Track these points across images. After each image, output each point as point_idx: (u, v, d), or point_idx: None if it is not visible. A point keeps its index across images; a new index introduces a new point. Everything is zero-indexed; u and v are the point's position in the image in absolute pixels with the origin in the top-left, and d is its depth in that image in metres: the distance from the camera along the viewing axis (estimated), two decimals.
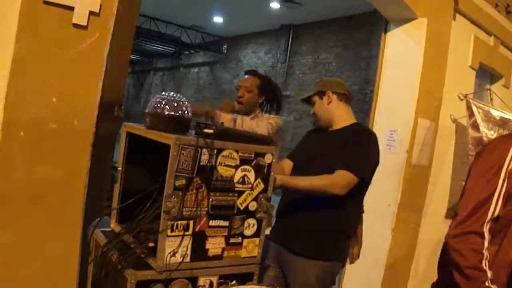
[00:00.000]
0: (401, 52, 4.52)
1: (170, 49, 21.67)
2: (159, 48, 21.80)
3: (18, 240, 2.34)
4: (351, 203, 2.77)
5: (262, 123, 3.33)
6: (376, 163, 2.79)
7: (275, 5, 12.99)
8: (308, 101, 3.02)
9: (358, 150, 2.71)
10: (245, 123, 3.27)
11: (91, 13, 2.37)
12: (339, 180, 2.61)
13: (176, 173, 1.80)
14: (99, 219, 2.33)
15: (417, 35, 4.41)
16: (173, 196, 1.80)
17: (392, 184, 4.33)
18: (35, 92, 2.33)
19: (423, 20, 4.40)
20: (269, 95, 3.56)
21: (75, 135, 2.45)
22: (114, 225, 2.25)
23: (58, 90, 2.37)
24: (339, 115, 2.92)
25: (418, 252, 4.72)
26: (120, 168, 2.26)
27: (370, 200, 3.00)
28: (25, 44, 2.25)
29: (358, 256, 3.08)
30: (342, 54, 12.60)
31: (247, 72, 3.60)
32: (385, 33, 4.64)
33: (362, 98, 10.53)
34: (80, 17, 2.32)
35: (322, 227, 2.75)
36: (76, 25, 2.33)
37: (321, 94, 2.94)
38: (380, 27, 4.81)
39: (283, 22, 14.61)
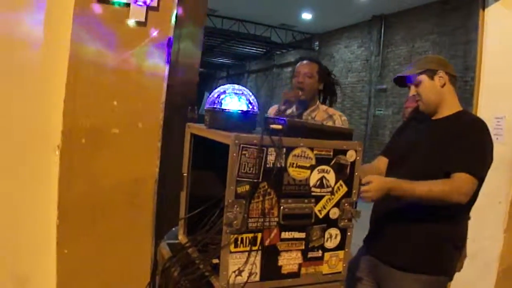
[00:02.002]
0: (504, 28, 4.03)
1: (262, 50, 21.73)
2: (251, 50, 21.93)
3: (85, 253, 2.28)
4: (461, 208, 2.34)
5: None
6: (492, 159, 2.39)
7: None
8: (404, 82, 2.59)
9: (474, 147, 2.31)
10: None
11: (149, 8, 2.23)
12: (461, 186, 2.21)
13: (238, 178, 1.52)
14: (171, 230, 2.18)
15: None
16: (235, 206, 1.52)
17: (502, 178, 3.84)
18: (94, 95, 2.26)
19: None
20: (328, 82, 3.32)
21: (140, 139, 2.33)
22: (181, 237, 2.05)
23: (118, 92, 2.27)
24: (449, 100, 2.48)
25: None
26: (185, 174, 2.03)
27: (478, 197, 2.59)
28: (80, 45, 2.17)
29: (460, 269, 2.66)
30: (438, 41, 11.98)
31: (303, 58, 3.35)
32: (483, 10, 4.17)
33: (463, 86, 9.88)
34: (137, 13, 2.19)
35: (427, 236, 2.38)
36: (133, 22, 2.23)
37: (432, 73, 2.48)
38: (476, 9, 4.34)
39: (374, 13, 14.18)
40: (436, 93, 2.46)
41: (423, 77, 2.48)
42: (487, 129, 2.40)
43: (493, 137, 3.80)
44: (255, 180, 1.55)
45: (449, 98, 2.47)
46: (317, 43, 18.41)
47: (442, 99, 2.47)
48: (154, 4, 2.25)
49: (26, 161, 2.27)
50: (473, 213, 2.69)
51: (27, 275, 2.30)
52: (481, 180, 2.26)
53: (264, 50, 21.67)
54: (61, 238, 2.24)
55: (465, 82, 10.05)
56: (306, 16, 15.84)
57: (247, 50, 21.73)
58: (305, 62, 3.29)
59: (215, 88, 1.84)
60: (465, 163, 2.23)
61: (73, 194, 2.24)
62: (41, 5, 2.18)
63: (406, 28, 13.38)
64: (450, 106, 2.47)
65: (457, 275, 2.75)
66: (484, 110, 4.05)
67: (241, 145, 1.52)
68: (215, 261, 1.67)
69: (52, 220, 2.25)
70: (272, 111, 3.14)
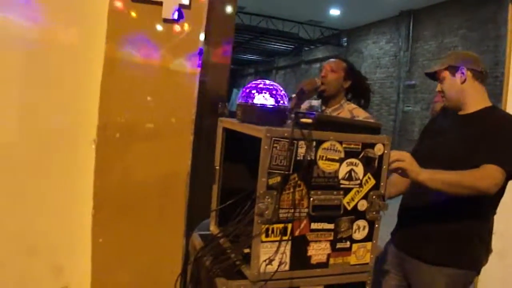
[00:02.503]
0: None
1: (290, 46, 21.78)
2: (279, 47, 22.00)
3: (119, 242, 2.35)
4: (490, 201, 2.39)
5: None
6: None
7: None
8: (435, 76, 2.60)
9: (504, 141, 2.30)
10: None
11: (181, 6, 2.30)
12: (490, 174, 2.21)
13: (269, 170, 1.58)
14: (202, 222, 2.25)
15: None
16: (267, 197, 1.58)
17: None
18: (128, 91, 2.31)
19: None
20: (356, 82, 3.24)
21: (173, 134, 2.40)
22: (213, 228, 2.10)
23: (152, 89, 2.33)
24: (473, 96, 2.48)
25: None
26: (217, 167, 2.09)
27: (505, 194, 2.58)
28: (115, 43, 2.24)
29: (486, 263, 2.67)
30: (468, 36, 11.87)
31: (333, 57, 3.31)
32: None
33: (493, 82, 9.74)
34: (169, 11, 2.26)
35: (455, 230, 2.40)
36: (166, 20, 2.28)
37: (453, 69, 2.50)
38: (506, 2, 4.30)
39: (402, 8, 14.13)
40: (458, 89, 2.48)
41: (446, 74, 2.51)
42: None
43: None
44: (286, 172, 1.60)
45: (473, 93, 2.47)
46: (345, 39, 18.37)
47: (464, 96, 2.48)
48: (186, 2, 2.30)
49: (64, 153, 2.35)
50: (502, 209, 2.68)
51: (63, 263, 2.38)
52: (509, 173, 2.25)
53: (292, 47, 21.71)
54: (96, 228, 2.32)
55: (495, 78, 9.94)
56: (334, 12, 15.82)
57: (275, 46, 21.79)
58: (332, 59, 3.29)
59: (245, 84, 1.90)
60: (494, 155, 2.23)
61: (108, 186, 2.32)
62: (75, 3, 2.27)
63: (435, 23, 13.28)
64: (476, 102, 2.47)
65: (486, 272, 2.76)
66: None
67: (273, 138, 1.57)
68: (246, 250, 1.71)
69: (87, 210, 2.33)
70: (303, 106, 3.16)
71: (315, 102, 3.23)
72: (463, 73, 2.46)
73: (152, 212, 2.38)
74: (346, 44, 18.32)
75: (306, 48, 21.57)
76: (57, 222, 2.36)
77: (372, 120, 2.95)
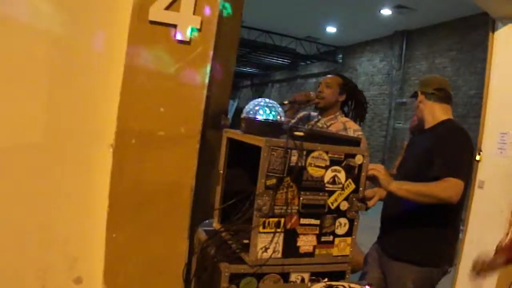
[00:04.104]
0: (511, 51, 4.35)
1: (286, 61, 21.88)
2: (276, 61, 22.10)
3: (131, 239, 2.51)
4: (453, 208, 2.72)
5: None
6: (472, 156, 2.78)
7: (386, 12, 12.87)
8: None
9: (454, 153, 2.66)
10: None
11: (193, 28, 2.49)
12: (450, 186, 2.55)
13: (267, 173, 1.90)
14: (204, 222, 2.50)
15: None
16: (265, 195, 1.91)
17: (504, 189, 4.11)
18: (144, 102, 2.46)
19: None
20: (351, 95, 3.56)
21: (182, 142, 2.55)
22: (216, 224, 2.38)
23: (165, 101, 2.49)
24: (429, 114, 2.91)
25: None
26: (221, 171, 2.40)
27: (481, 207, 2.90)
28: (134, 59, 2.41)
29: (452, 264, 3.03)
30: (458, 58, 12.18)
31: (329, 73, 3.62)
32: (493, 33, 4.56)
33: (480, 102, 10.04)
34: (183, 33, 2.44)
35: (421, 230, 2.75)
36: (179, 41, 2.46)
37: (415, 95, 3.00)
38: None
39: (396, 28, 14.38)
40: (418, 110, 2.96)
41: (414, 99, 2.99)
42: (464, 133, 2.79)
43: (497, 151, 4.15)
44: (281, 175, 1.93)
45: (430, 112, 2.89)
46: (340, 55, 18.57)
47: (422, 115, 2.92)
48: (197, 26, 2.51)
49: (83, 155, 2.47)
50: (477, 221, 2.99)
51: (76, 255, 2.52)
52: (465, 179, 2.60)
53: (289, 61, 21.85)
54: (110, 224, 2.47)
55: (481, 99, 10.20)
56: (331, 29, 16.08)
57: (272, 60, 21.91)
58: (329, 75, 3.60)
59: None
60: (448, 169, 2.58)
61: (123, 187, 2.45)
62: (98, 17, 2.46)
63: (427, 44, 13.58)
64: (435, 117, 2.87)
65: (462, 280, 3.04)
66: (490, 125, 4.36)
67: (271, 147, 1.90)
68: (245, 241, 2.03)
69: (102, 208, 2.46)
70: (301, 115, 3.47)
71: (314, 114, 3.55)
72: (417, 96, 2.96)
73: (161, 211, 2.53)
74: (341, 60, 18.50)
75: (302, 63, 21.73)
76: (75, 218, 2.51)
77: (361, 133, 3.34)
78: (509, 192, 4.12)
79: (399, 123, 14.45)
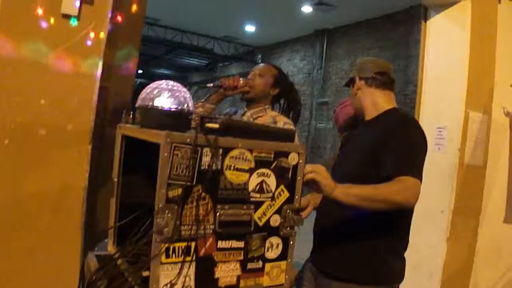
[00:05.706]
0: (445, 40, 4.17)
1: (204, 61, 21.69)
2: (193, 62, 21.86)
3: (8, 263, 2.11)
4: (400, 214, 2.26)
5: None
6: (426, 150, 2.33)
7: (307, 9, 12.75)
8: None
9: (407, 146, 2.23)
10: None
11: (83, 1, 2.10)
12: (409, 186, 2.09)
13: (169, 181, 1.40)
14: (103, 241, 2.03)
15: (461, 20, 4.04)
16: (166, 211, 1.39)
17: (444, 188, 3.94)
18: (20, 93, 2.08)
19: (467, 2, 4.03)
20: (285, 91, 3.12)
21: (69, 142, 2.20)
22: (111, 248, 1.89)
23: (47, 91, 2.11)
24: (371, 102, 2.48)
25: (477, 263, 4.25)
26: (115, 179, 1.88)
27: (420, 207, 2.52)
28: (5, 38, 2.02)
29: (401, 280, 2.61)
30: (380, 56, 12.10)
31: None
32: (425, 22, 4.30)
33: (403, 100, 10.09)
34: (69, 6, 2.06)
35: (365, 243, 2.30)
36: (65, 16, 2.08)
37: (352, 81, 2.54)
38: (417, 25, 4.45)
39: (317, 27, 14.36)
40: (355, 99, 2.55)
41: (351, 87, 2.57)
42: (417, 124, 2.40)
43: (435, 147, 3.91)
44: (188, 183, 1.43)
45: (370, 100, 2.49)
46: (259, 55, 18.45)
47: (362, 104, 2.51)
48: None
49: None
50: (416, 222, 2.63)
51: None
52: (421, 177, 2.17)
53: (207, 62, 21.64)
54: None
55: (405, 96, 10.25)
56: (250, 28, 15.89)
57: (189, 61, 21.65)
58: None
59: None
60: (402, 166, 2.14)
61: None
62: None
63: (348, 43, 13.65)
64: (378, 106, 2.47)
65: (401, 285, 2.70)
66: (426, 119, 4.16)
67: (173, 145, 1.40)
68: (146, 273, 1.51)
69: None
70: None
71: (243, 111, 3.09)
72: (354, 82, 2.52)
73: (45, 229, 2.15)
74: (260, 61, 18.33)
75: (221, 64, 21.55)
76: None
77: (293, 128, 2.82)
78: (448, 191, 3.93)
79: (321, 123, 14.50)
